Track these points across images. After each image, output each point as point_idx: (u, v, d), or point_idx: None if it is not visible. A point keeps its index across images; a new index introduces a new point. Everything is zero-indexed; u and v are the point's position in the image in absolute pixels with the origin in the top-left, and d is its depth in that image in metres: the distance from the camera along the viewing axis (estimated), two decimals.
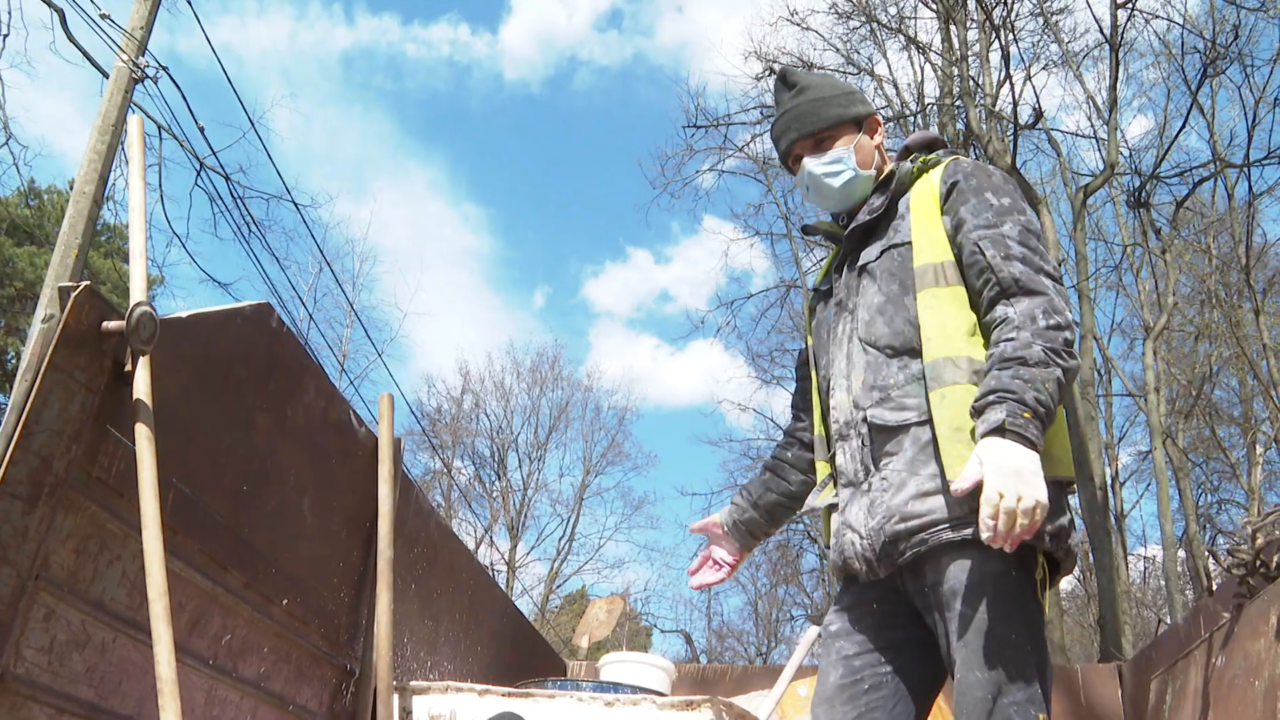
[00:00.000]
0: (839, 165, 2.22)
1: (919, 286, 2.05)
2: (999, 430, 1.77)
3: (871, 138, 2.27)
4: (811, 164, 2.24)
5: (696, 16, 37.07)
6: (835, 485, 2.16)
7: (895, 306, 2.07)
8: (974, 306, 2.02)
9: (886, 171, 2.23)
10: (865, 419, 2.05)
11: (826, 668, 2.07)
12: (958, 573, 1.85)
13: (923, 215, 2.11)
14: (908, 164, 2.23)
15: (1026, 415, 1.78)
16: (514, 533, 26.71)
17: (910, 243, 2.11)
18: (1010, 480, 1.72)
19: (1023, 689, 1.78)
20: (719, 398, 43.62)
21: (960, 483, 1.78)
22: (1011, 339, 1.88)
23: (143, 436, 2.12)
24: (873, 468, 2.03)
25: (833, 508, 2.15)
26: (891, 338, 2.06)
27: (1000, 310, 1.94)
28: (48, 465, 1.94)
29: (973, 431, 1.85)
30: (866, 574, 2.02)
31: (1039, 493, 1.72)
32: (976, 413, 1.84)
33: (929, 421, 1.96)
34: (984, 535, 1.74)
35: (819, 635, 2.31)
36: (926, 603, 1.94)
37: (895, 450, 1.99)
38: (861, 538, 2.01)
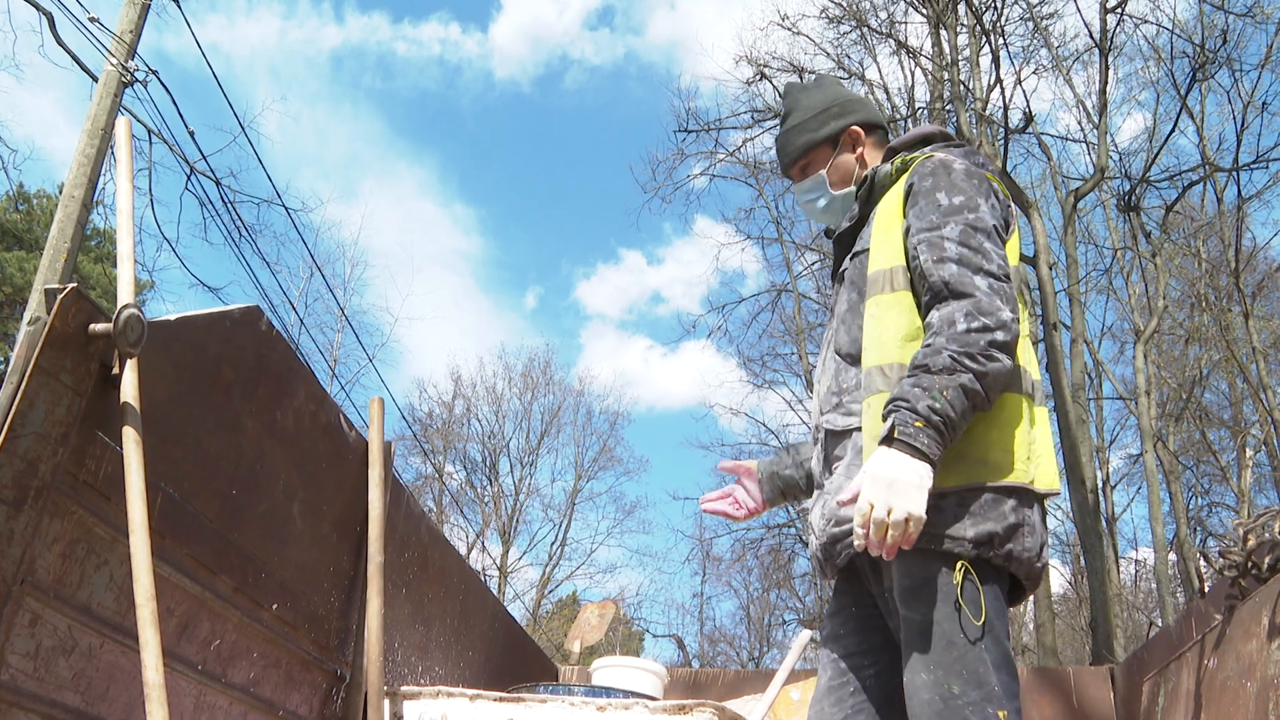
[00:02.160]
0: (815, 193, 2.31)
1: (869, 294, 2.06)
2: (886, 439, 1.78)
3: (852, 151, 2.30)
4: (797, 190, 2.35)
5: (689, 12, 37.09)
6: None
7: (854, 314, 2.10)
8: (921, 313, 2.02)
9: (864, 177, 2.24)
10: (822, 424, 2.09)
11: (820, 670, 2.12)
12: (902, 577, 1.87)
13: (884, 221, 2.11)
14: (886, 167, 2.21)
15: (918, 424, 1.76)
16: (506, 538, 26.68)
17: (868, 250, 2.11)
18: (882, 491, 1.73)
19: (976, 688, 1.76)
20: (711, 402, 43.70)
21: (842, 494, 1.81)
22: (927, 344, 1.86)
23: (130, 440, 2.11)
24: (827, 471, 2.06)
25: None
26: (850, 345, 2.09)
27: (931, 315, 1.92)
28: (33, 469, 1.92)
29: None
30: (819, 574, 2.10)
31: (910, 504, 1.72)
32: (884, 421, 1.85)
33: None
34: (855, 544, 1.77)
35: (811, 639, 2.34)
36: (887, 607, 1.98)
37: (841, 455, 2.03)
38: (815, 538, 2.06)
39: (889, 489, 1.72)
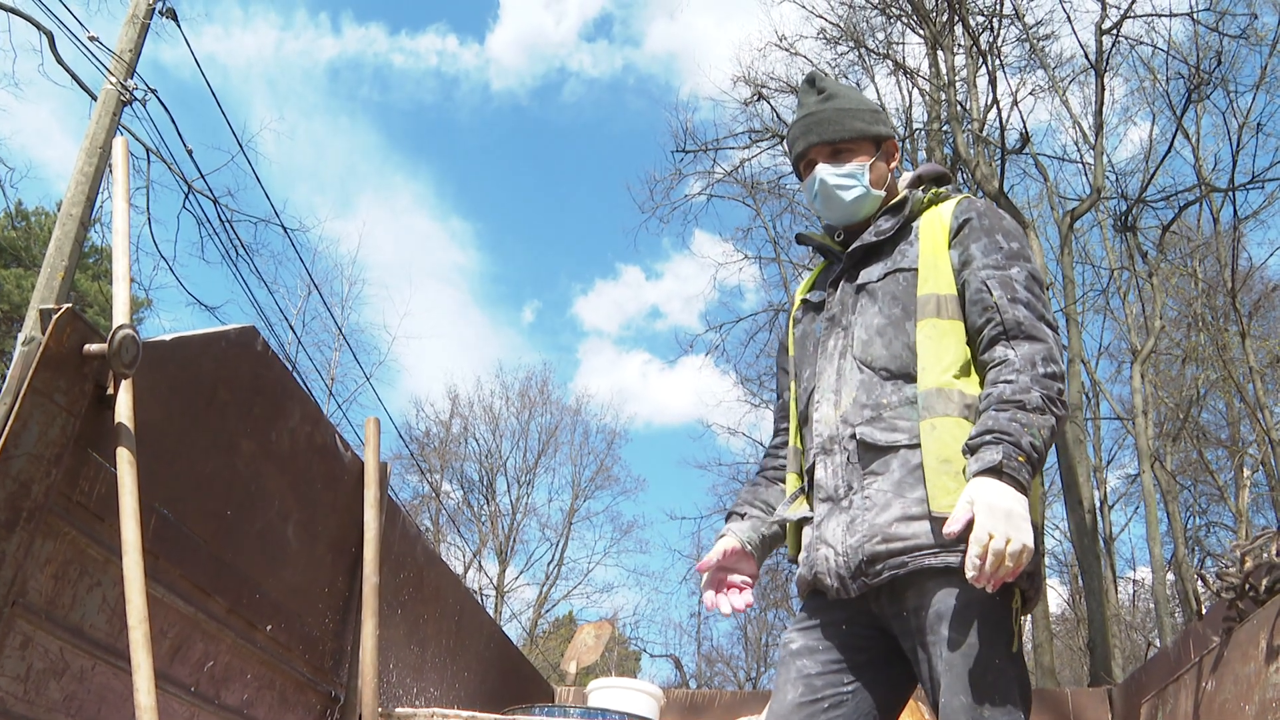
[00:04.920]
0: (852, 180, 2.22)
1: (921, 315, 2.06)
2: (994, 471, 1.78)
3: (888, 162, 2.28)
4: (825, 172, 2.22)
5: (688, 22, 37.09)
6: (809, 499, 2.14)
7: (895, 330, 2.08)
8: (971, 343, 2.04)
9: (900, 196, 2.24)
10: (854, 435, 2.04)
11: (784, 685, 2.03)
12: (943, 597, 1.86)
13: (931, 245, 2.13)
14: (919, 193, 2.24)
15: (1020, 459, 1.80)
16: (502, 557, 26.62)
17: (916, 269, 2.12)
18: (1001, 522, 1.73)
19: (1007, 713, 1.79)
20: (709, 421, 43.64)
21: (951, 524, 1.79)
22: (1010, 381, 1.89)
23: (124, 460, 2.10)
24: (855, 485, 2.01)
25: (804, 521, 2.14)
26: (889, 360, 2.06)
27: (1000, 351, 1.96)
28: (26, 489, 1.91)
29: (963, 469, 1.86)
30: (838, 591, 2.00)
31: (1027, 537, 1.74)
32: (970, 450, 1.85)
33: (919, 447, 1.96)
34: (969, 574, 1.75)
35: None
36: (905, 627, 1.93)
37: (882, 470, 1.99)
38: (837, 554, 1.99)
39: (1007, 520, 1.74)
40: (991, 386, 1.92)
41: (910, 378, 2.03)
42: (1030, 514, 1.89)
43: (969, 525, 1.76)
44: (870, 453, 2.01)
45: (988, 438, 1.82)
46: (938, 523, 1.86)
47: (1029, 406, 1.85)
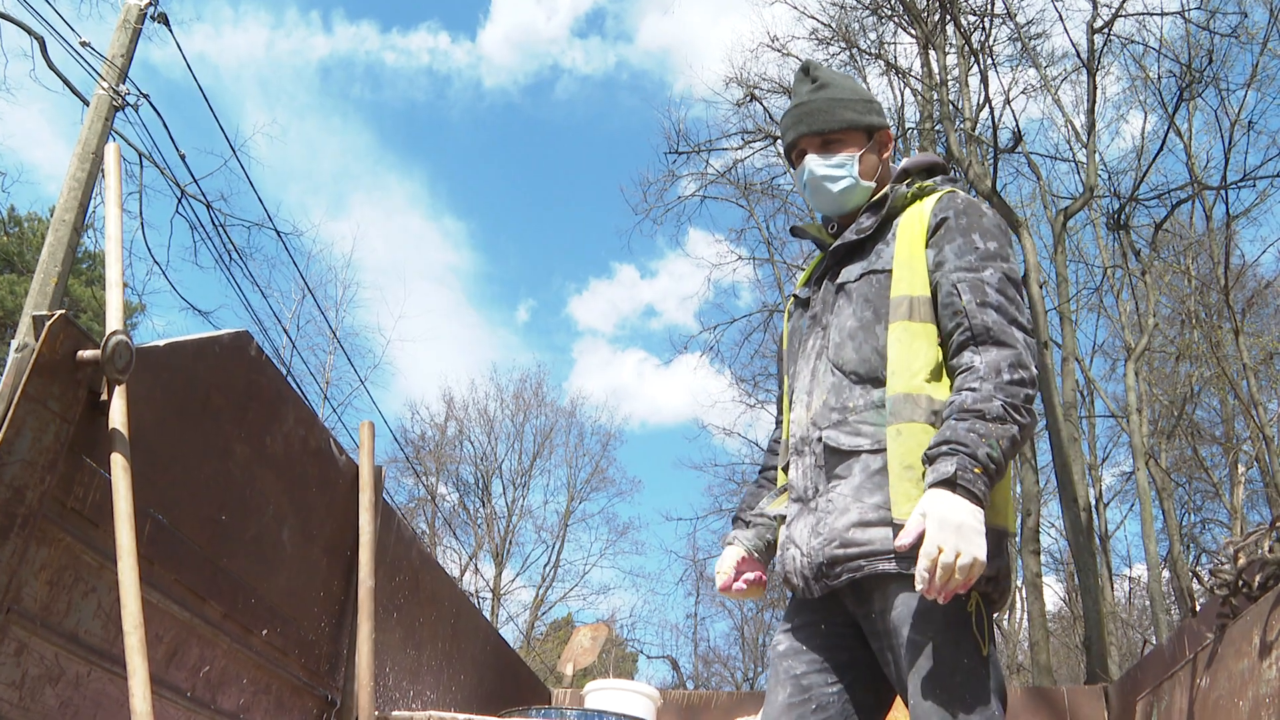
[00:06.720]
0: (841, 171, 2.20)
1: (892, 318, 2.05)
2: (948, 483, 1.78)
3: (880, 152, 2.26)
4: (814, 163, 2.21)
5: (681, 18, 36.90)
6: (788, 497, 2.16)
7: (866, 333, 2.07)
8: (943, 346, 2.02)
9: (881, 193, 2.21)
10: (820, 439, 2.05)
11: (774, 686, 2.06)
12: (906, 600, 1.87)
13: (907, 245, 2.10)
14: (902, 188, 2.20)
15: (977, 470, 1.79)
16: (499, 559, 26.59)
17: (890, 271, 2.10)
18: (951, 535, 1.74)
19: (979, 713, 1.80)
20: (704, 421, 43.61)
21: (903, 538, 1.80)
22: (973, 389, 1.88)
23: (118, 466, 2.10)
24: (822, 487, 2.03)
25: (782, 518, 2.15)
26: (858, 364, 2.06)
27: (967, 357, 1.94)
28: (20, 496, 1.91)
29: (923, 474, 1.86)
30: (803, 590, 2.03)
31: (978, 550, 1.74)
32: (928, 460, 1.84)
33: (882, 453, 1.97)
34: (919, 586, 1.76)
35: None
36: (874, 628, 1.95)
37: (845, 474, 1.99)
38: (802, 554, 2.02)
39: (957, 534, 1.74)
40: (955, 394, 1.91)
41: (879, 382, 2.02)
42: (1000, 518, 1.90)
43: (921, 537, 1.77)
44: (835, 456, 2.02)
45: (944, 448, 1.82)
46: (898, 529, 1.86)
47: (989, 416, 1.84)
